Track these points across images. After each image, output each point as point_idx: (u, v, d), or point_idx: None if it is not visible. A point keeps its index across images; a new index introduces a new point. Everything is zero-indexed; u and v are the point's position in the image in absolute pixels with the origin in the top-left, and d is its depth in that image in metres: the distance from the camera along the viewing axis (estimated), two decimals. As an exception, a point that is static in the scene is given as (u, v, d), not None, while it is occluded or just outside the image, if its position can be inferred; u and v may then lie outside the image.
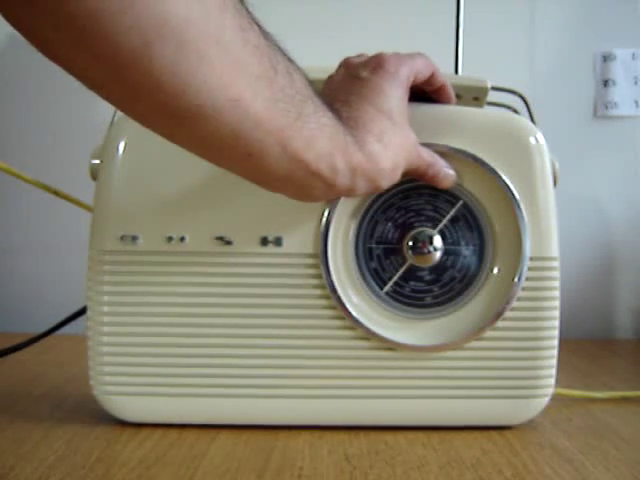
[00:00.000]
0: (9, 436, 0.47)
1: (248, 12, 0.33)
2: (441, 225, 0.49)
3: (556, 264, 0.49)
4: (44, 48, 0.29)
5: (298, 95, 0.35)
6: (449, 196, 0.49)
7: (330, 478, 0.41)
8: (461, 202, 0.49)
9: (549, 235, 0.49)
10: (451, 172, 0.47)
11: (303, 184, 0.39)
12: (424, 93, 0.48)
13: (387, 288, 0.49)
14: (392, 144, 0.41)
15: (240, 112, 0.33)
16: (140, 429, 0.49)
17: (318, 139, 0.37)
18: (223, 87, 0.31)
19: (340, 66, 0.45)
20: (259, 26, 0.33)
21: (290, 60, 0.36)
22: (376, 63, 0.43)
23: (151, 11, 0.28)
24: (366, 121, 0.41)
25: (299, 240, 0.48)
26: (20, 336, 0.64)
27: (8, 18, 0.28)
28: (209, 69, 0.31)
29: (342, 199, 0.47)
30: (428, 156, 0.46)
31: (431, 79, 0.46)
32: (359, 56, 0.46)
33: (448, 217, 0.49)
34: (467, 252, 0.49)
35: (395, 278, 0.49)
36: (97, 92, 0.32)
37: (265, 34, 0.34)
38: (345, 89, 0.43)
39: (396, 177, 0.43)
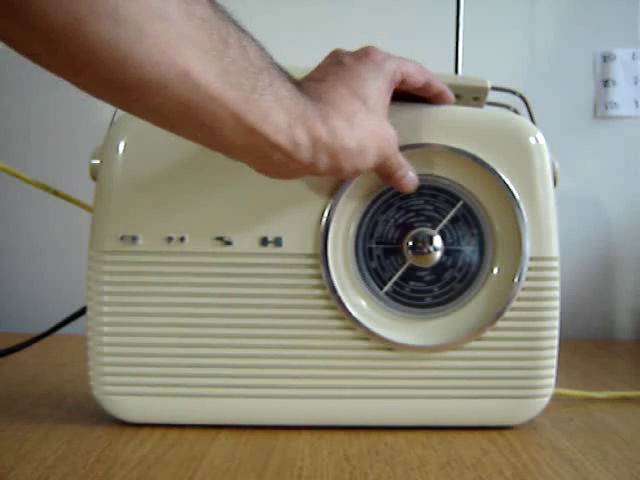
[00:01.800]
0: (9, 436, 0.47)
1: None
2: (441, 225, 0.49)
3: (556, 264, 0.49)
4: None
5: (252, 67, 0.35)
6: (449, 196, 0.49)
7: (330, 478, 0.41)
8: (461, 202, 0.49)
9: (549, 235, 0.49)
10: (415, 176, 0.46)
11: (262, 155, 0.38)
12: (423, 100, 0.48)
13: (387, 288, 0.49)
14: (362, 127, 0.40)
15: (189, 86, 0.32)
16: (140, 429, 0.49)
17: (275, 111, 0.36)
18: (168, 61, 0.31)
19: (329, 54, 0.45)
20: None
21: (243, 31, 0.35)
22: (362, 53, 0.43)
23: None
24: (335, 99, 0.40)
25: (299, 240, 0.48)
26: (20, 336, 0.64)
27: None
28: (151, 44, 0.30)
29: (343, 199, 0.47)
30: (400, 158, 0.45)
31: (427, 87, 0.46)
32: None
33: (448, 217, 0.49)
34: (467, 252, 0.49)
35: (395, 278, 0.49)
36: (41, 65, 0.32)
37: (214, 6, 0.34)
38: (324, 70, 0.42)
39: (363, 163, 0.41)
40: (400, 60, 0.44)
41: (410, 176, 0.46)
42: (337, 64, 0.42)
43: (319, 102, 0.39)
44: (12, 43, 0.30)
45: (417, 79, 0.45)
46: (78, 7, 0.28)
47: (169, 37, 0.31)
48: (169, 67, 0.31)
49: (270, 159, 0.38)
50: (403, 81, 0.44)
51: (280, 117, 0.36)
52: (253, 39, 0.36)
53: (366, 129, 0.41)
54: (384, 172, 0.45)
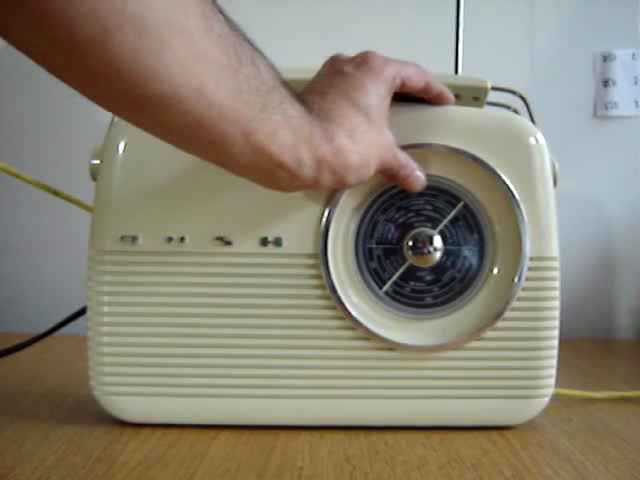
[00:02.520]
0: (9, 436, 0.47)
1: (213, 1, 0.32)
2: (441, 226, 0.49)
3: (556, 264, 0.49)
4: (3, 33, 0.29)
5: (263, 86, 0.35)
6: (449, 196, 0.49)
7: (330, 478, 0.41)
8: (462, 203, 0.49)
9: (549, 235, 0.49)
10: (422, 175, 0.47)
11: (267, 173, 0.38)
12: (423, 101, 0.48)
13: (386, 287, 0.49)
14: (363, 140, 0.41)
15: (203, 102, 0.32)
16: (140, 429, 0.49)
17: (283, 130, 0.36)
18: (185, 76, 0.31)
19: (327, 61, 0.45)
20: (224, 15, 0.33)
21: (256, 50, 0.36)
22: (362, 59, 0.43)
23: None
24: (338, 115, 0.40)
25: (299, 240, 0.48)
26: (20, 336, 0.64)
27: None
28: (171, 58, 0.30)
29: (343, 199, 0.47)
30: (402, 158, 0.45)
31: (426, 89, 0.46)
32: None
33: (449, 218, 0.49)
34: (467, 252, 0.49)
35: (394, 278, 0.49)
36: (57, 77, 0.31)
37: (230, 23, 0.34)
38: (325, 82, 0.43)
39: (365, 174, 0.42)
40: (399, 64, 0.44)
41: (415, 175, 0.46)
42: (337, 73, 0.43)
43: (324, 120, 0.40)
44: (32, 54, 0.30)
45: (416, 82, 0.45)
46: (106, 18, 0.28)
47: (188, 52, 0.31)
48: (185, 82, 0.31)
49: (275, 177, 0.39)
50: (403, 84, 0.44)
51: (287, 136, 0.37)
52: (265, 57, 0.36)
53: (367, 142, 0.41)
54: (386, 174, 0.46)
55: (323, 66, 0.45)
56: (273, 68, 0.37)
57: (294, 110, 0.37)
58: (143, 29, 0.29)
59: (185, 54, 0.31)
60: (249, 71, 0.34)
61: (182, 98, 0.32)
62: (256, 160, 0.37)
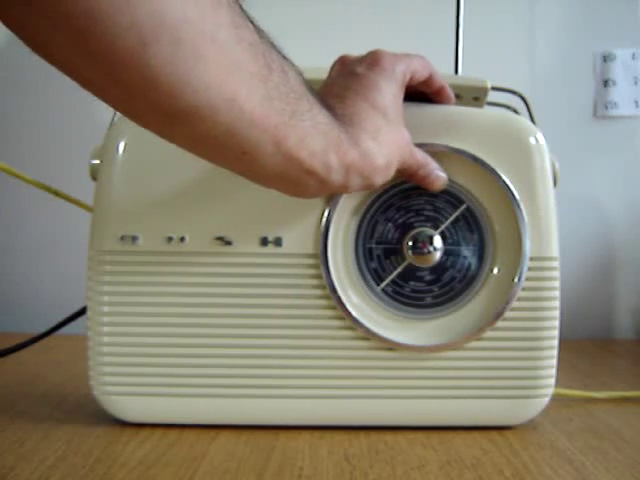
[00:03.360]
0: (9, 436, 0.47)
1: (242, 10, 0.33)
2: (443, 227, 0.49)
3: (556, 264, 0.49)
4: (40, 49, 0.29)
5: (292, 93, 0.35)
6: (449, 196, 0.49)
7: (330, 478, 0.41)
8: (465, 206, 0.49)
9: (549, 235, 0.49)
10: (442, 175, 0.47)
11: (297, 181, 0.38)
12: (423, 94, 0.48)
13: (383, 285, 0.49)
14: (386, 141, 0.41)
15: (235, 111, 0.32)
16: (140, 429, 0.49)
17: (312, 137, 0.37)
18: (219, 86, 0.31)
19: (336, 63, 0.45)
20: (253, 24, 0.33)
21: (284, 58, 0.36)
22: (372, 59, 0.43)
23: (148, 10, 0.27)
24: (361, 118, 0.41)
25: (299, 240, 0.48)
26: (20, 336, 0.64)
27: (4, 19, 0.28)
28: (205, 68, 0.30)
29: (342, 199, 0.47)
30: (421, 157, 0.46)
31: (429, 81, 0.46)
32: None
33: (451, 219, 0.49)
34: (467, 252, 0.49)
35: (392, 276, 0.49)
36: (92, 92, 0.32)
37: (259, 32, 0.34)
38: (340, 84, 0.43)
39: (389, 174, 0.43)
40: (407, 59, 0.44)
41: (436, 174, 0.46)
42: (350, 75, 0.43)
43: (349, 125, 0.40)
44: (68, 69, 0.30)
45: (422, 75, 0.45)
46: (143, 30, 0.28)
47: (221, 61, 0.31)
48: (219, 92, 0.31)
49: (304, 184, 0.39)
50: (410, 78, 0.44)
51: (317, 143, 0.37)
52: (293, 65, 0.36)
53: (390, 143, 0.42)
54: (405, 174, 0.46)
55: (332, 68, 0.45)
56: (300, 75, 0.37)
57: (322, 116, 0.38)
58: (179, 41, 0.29)
59: (218, 64, 0.31)
60: (279, 78, 0.34)
61: (216, 108, 0.32)
62: (286, 168, 0.37)
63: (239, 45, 0.32)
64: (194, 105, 0.31)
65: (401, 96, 0.44)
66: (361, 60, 0.43)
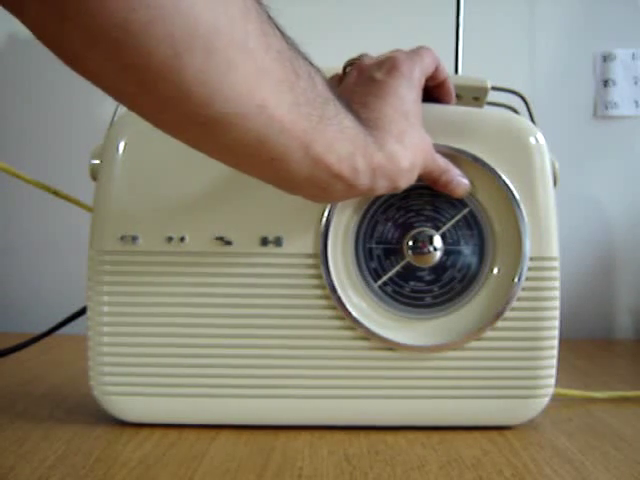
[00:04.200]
0: (9, 436, 0.47)
1: (269, 17, 0.33)
2: (444, 229, 0.49)
3: (556, 264, 0.49)
4: (74, 63, 0.29)
5: (319, 98, 0.36)
6: (449, 196, 0.49)
7: (330, 478, 0.41)
8: (468, 209, 0.49)
9: (549, 235, 0.49)
10: (465, 181, 0.47)
11: (325, 185, 0.39)
12: (425, 88, 0.48)
13: (380, 282, 0.49)
14: (411, 144, 0.42)
15: (265, 118, 0.33)
16: (140, 429, 0.49)
17: (340, 141, 0.37)
18: (249, 94, 0.31)
19: (352, 69, 0.45)
20: (280, 31, 0.33)
21: (311, 64, 0.36)
22: (390, 65, 0.43)
23: (181, 20, 0.28)
24: (386, 122, 0.41)
25: (299, 240, 0.48)
26: (20, 336, 0.64)
27: (39, 36, 0.28)
28: (236, 76, 0.31)
29: (342, 199, 0.47)
30: (443, 162, 0.46)
31: (435, 73, 0.46)
32: (361, 56, 0.46)
33: (453, 222, 0.49)
34: (467, 252, 0.49)
35: (390, 274, 0.49)
36: (124, 104, 0.32)
37: (286, 38, 0.34)
38: (361, 91, 0.43)
39: (413, 177, 0.43)
40: (420, 60, 0.44)
41: (458, 180, 0.47)
42: (371, 82, 0.43)
43: (374, 129, 0.40)
44: (101, 82, 0.30)
45: (431, 70, 0.46)
46: (176, 40, 0.28)
47: (251, 69, 0.31)
48: (249, 99, 0.32)
49: (331, 188, 0.39)
50: (427, 79, 0.45)
51: (344, 147, 0.37)
52: (319, 70, 0.37)
53: (414, 146, 0.42)
54: (429, 179, 0.47)
55: (349, 75, 0.45)
56: (326, 80, 0.37)
57: (348, 121, 0.38)
58: (212, 50, 0.29)
59: (248, 72, 0.31)
60: (306, 84, 0.35)
61: (245, 115, 0.32)
62: (315, 173, 0.37)
63: (267, 53, 0.32)
64: (225, 112, 0.31)
65: (419, 100, 0.44)
66: (379, 65, 0.44)
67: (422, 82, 0.45)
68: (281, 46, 0.33)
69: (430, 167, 0.45)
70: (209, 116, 0.31)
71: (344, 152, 0.37)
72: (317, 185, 0.38)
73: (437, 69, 0.46)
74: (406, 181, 0.42)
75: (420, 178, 0.45)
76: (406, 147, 0.41)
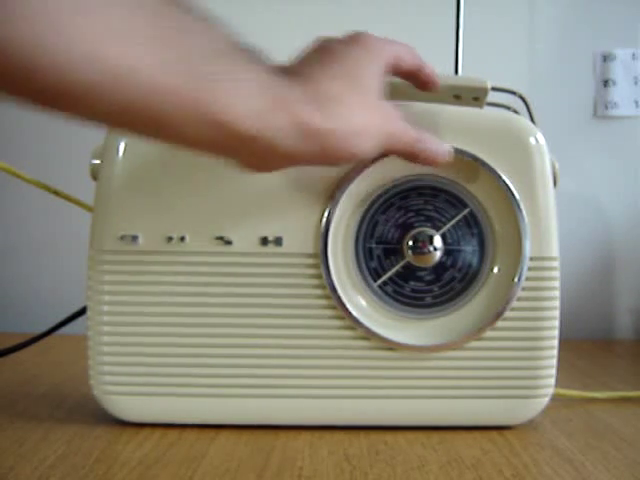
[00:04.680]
0: (9, 436, 0.47)
1: None
2: (444, 229, 0.49)
3: (556, 264, 0.49)
4: None
5: (218, 53, 0.33)
6: (449, 196, 0.49)
7: (330, 478, 0.41)
8: (468, 209, 0.49)
9: (549, 235, 0.49)
10: (444, 147, 0.44)
11: (241, 149, 0.35)
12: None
13: (380, 282, 0.49)
14: (354, 106, 0.37)
15: (130, 81, 0.30)
16: (140, 429, 0.49)
17: (242, 97, 0.33)
18: (98, 57, 0.29)
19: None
20: None
21: (203, 18, 0.33)
22: (350, 38, 0.40)
23: None
24: (323, 79, 0.37)
25: (299, 240, 0.48)
26: (20, 336, 0.64)
27: None
28: (73, 39, 0.28)
29: (343, 198, 0.47)
30: (415, 132, 0.42)
31: (417, 72, 0.44)
32: None
33: (453, 222, 0.49)
34: (467, 252, 0.49)
35: (390, 273, 0.49)
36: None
37: None
38: (308, 55, 0.39)
39: (361, 146, 0.38)
40: (392, 43, 0.42)
41: (435, 148, 0.43)
42: (323, 49, 0.40)
43: (305, 84, 0.36)
44: None
45: (409, 63, 0.43)
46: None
47: (95, 30, 0.28)
48: (101, 64, 0.29)
49: (251, 151, 0.36)
50: (395, 65, 0.42)
51: (250, 103, 0.33)
52: (216, 23, 0.34)
53: (360, 109, 0.38)
54: (402, 153, 0.42)
55: (307, 48, 0.41)
56: (230, 35, 0.34)
57: (254, 73, 0.34)
58: (40, 17, 0.26)
59: (93, 33, 0.28)
60: (198, 40, 0.32)
61: (102, 82, 0.29)
62: (219, 135, 0.34)
63: (131, 11, 0.29)
64: (71, 81, 0.29)
65: (382, 73, 0.40)
66: (339, 38, 0.40)
67: (388, 60, 0.40)
68: (156, 1, 0.31)
69: (397, 136, 0.41)
70: (54, 87, 0.29)
71: (251, 109, 0.33)
72: (233, 148, 0.35)
73: (419, 68, 0.43)
74: (346, 147, 0.37)
75: (392, 153, 0.42)
76: (346, 106, 0.37)
